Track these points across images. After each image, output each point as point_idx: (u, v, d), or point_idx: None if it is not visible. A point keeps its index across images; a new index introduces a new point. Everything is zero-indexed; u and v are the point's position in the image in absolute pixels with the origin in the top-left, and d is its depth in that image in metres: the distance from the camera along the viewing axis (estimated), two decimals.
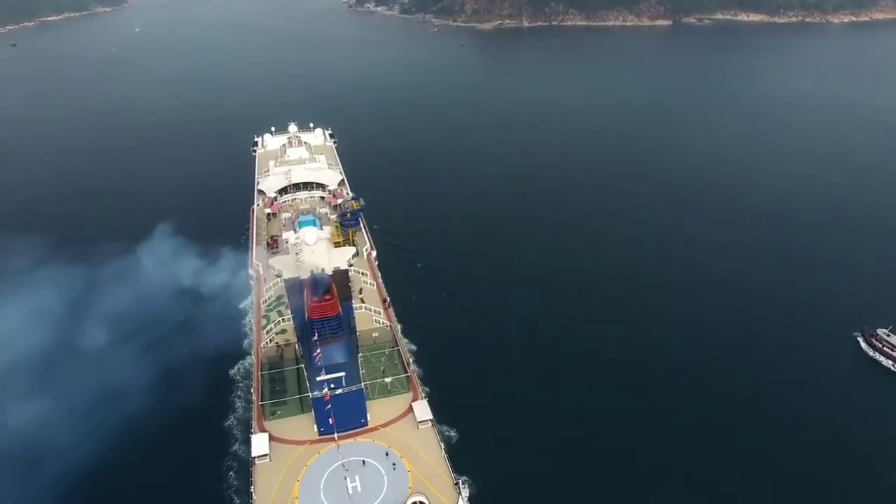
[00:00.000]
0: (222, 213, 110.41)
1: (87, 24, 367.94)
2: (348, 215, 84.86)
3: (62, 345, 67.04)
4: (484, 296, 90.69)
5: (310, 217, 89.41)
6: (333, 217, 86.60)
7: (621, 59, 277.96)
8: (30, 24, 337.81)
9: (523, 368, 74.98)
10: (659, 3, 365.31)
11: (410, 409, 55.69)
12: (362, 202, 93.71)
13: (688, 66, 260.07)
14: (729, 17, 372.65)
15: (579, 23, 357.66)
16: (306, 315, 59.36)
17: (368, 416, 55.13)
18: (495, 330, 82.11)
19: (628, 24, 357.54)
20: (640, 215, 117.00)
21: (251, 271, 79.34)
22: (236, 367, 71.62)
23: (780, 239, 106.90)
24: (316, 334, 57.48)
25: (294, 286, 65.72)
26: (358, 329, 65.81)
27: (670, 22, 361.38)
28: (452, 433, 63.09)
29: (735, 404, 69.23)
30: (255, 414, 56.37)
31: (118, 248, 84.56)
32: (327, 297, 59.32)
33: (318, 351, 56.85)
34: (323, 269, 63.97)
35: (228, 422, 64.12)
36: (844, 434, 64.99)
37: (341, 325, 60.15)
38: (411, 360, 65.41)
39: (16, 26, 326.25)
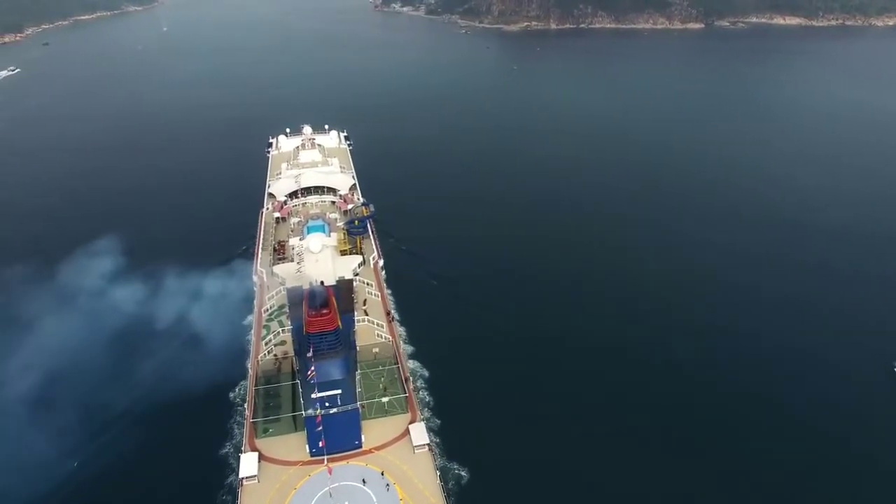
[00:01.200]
0: (234, 216, 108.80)
1: (118, 23, 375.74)
2: (356, 223, 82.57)
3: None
4: (502, 310, 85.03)
5: (319, 222, 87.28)
6: (341, 224, 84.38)
7: (651, 64, 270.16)
8: (64, 23, 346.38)
9: (544, 400, 67.95)
10: (691, 6, 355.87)
11: (407, 432, 52.84)
12: (372, 208, 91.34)
13: (721, 71, 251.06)
14: (764, 20, 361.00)
15: (608, 25, 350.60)
16: (304, 328, 57.25)
17: (363, 437, 52.46)
18: (513, 351, 76.43)
19: (658, 27, 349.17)
20: (673, 226, 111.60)
21: (255, 278, 77.55)
22: (237, 389, 67.19)
23: (820, 254, 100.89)
24: (311, 350, 55.13)
25: (295, 296, 63.61)
26: (359, 343, 63.40)
27: (702, 25, 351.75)
28: (454, 467, 58.09)
29: (763, 423, 65.77)
30: (246, 431, 54.18)
31: (119, 253, 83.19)
32: (325, 311, 57.02)
33: (312, 369, 54.44)
34: (322, 282, 61.63)
35: (225, 449, 59.69)
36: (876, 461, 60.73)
37: (339, 340, 57.75)
38: (411, 379, 62.48)
39: (51, 25, 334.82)
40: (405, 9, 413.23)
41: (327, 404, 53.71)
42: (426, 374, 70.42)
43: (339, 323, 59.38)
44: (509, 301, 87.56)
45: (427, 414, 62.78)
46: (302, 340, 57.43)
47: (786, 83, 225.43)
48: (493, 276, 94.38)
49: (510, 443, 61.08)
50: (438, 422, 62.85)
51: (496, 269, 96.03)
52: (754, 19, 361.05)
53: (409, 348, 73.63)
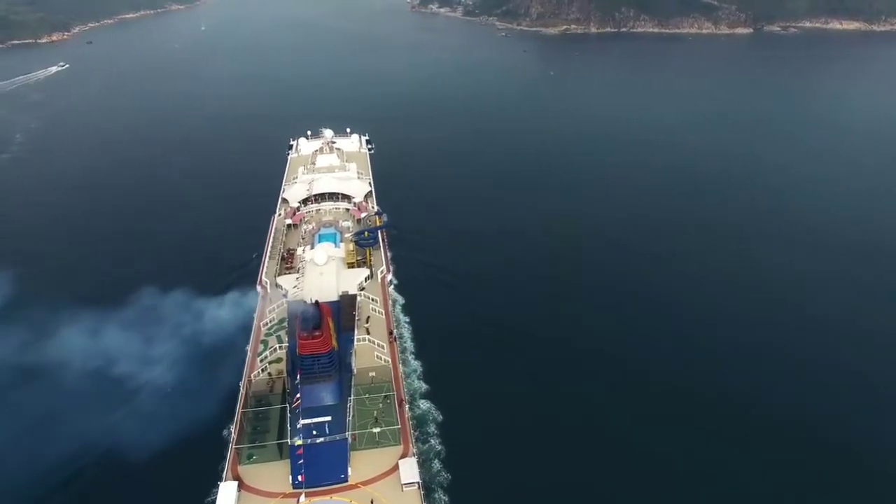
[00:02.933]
0: (251, 220, 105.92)
1: (160, 21, 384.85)
2: (366, 234, 79.39)
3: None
4: (523, 335, 78.65)
5: (331, 230, 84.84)
6: (349, 235, 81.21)
7: (696, 70, 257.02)
8: (110, 21, 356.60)
9: (567, 445, 61.19)
10: (739, 10, 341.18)
11: (397, 467, 48.98)
12: (385, 218, 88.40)
13: (772, 79, 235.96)
14: (819, 24, 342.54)
15: (651, 30, 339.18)
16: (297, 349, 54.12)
17: (350, 469, 48.89)
18: (531, 380, 70.32)
19: (704, 31, 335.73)
20: (719, 245, 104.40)
21: (258, 288, 74.98)
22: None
23: (882, 276, 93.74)
24: (298, 376, 51.92)
25: (295, 311, 60.73)
26: (357, 365, 59.99)
27: (751, 30, 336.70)
28: None
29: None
30: (230, 456, 51.23)
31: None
32: (317, 333, 53.76)
33: (298, 397, 51.22)
34: (316, 301, 58.26)
35: (207, 475, 53.25)
36: None
37: (333, 363, 54.49)
38: (408, 407, 58.50)
39: (97, 24, 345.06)
40: (442, 10, 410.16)
41: (314, 432, 50.54)
42: (429, 393, 66.31)
43: (335, 344, 56.05)
44: (532, 324, 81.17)
45: (426, 444, 58.80)
46: (295, 360, 54.36)
47: (846, 93, 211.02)
48: (519, 297, 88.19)
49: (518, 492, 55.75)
50: (440, 449, 58.78)
51: (521, 291, 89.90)
52: (808, 24, 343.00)
53: (416, 364, 70.00)
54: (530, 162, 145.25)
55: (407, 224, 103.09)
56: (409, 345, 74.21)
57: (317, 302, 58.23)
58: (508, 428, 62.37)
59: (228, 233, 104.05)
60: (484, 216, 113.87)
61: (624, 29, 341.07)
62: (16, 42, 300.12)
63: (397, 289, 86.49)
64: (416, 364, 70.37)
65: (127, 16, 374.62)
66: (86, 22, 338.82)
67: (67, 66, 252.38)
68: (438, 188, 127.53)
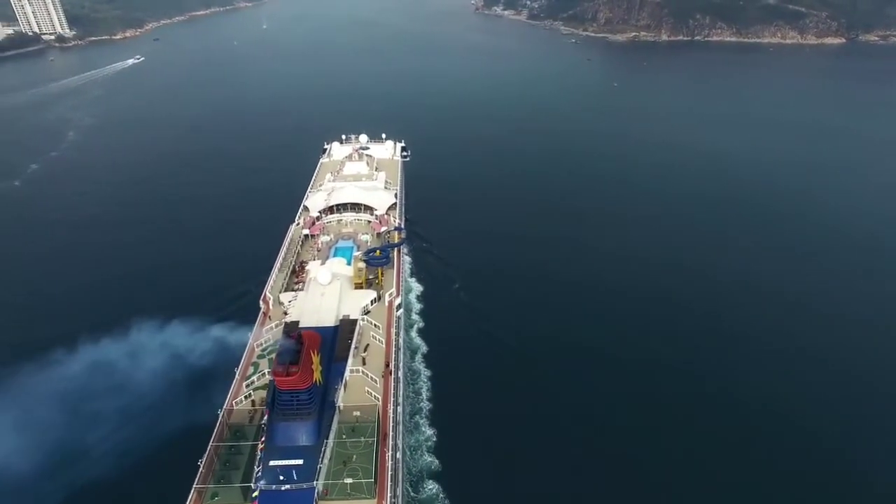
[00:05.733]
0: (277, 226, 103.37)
1: (228, 18, 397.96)
2: (378, 252, 73.78)
3: None
4: (544, 372, 71.38)
5: (349, 244, 79.89)
6: (358, 253, 75.92)
7: (779, 86, 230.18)
8: (181, 18, 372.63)
9: None
10: (830, 18, 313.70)
11: None
12: (404, 235, 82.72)
13: (869, 99, 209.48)
14: None
15: (728, 39, 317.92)
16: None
17: None
18: (553, 426, 63.00)
19: (787, 41, 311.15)
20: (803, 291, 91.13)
21: (261, 303, 70.91)
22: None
23: None
24: (265, 415, 46.85)
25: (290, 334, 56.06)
26: (345, 401, 54.29)
27: (842, 40, 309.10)
28: None
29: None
30: (191, 497, 46.71)
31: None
32: (293, 368, 48.35)
33: (263, 439, 46.14)
34: (299, 333, 52.96)
35: None
36: None
37: (314, 399, 49.03)
38: (391, 455, 52.16)
39: (169, 21, 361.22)
40: (506, 12, 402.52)
41: (281, 477, 45.16)
42: (433, 449, 59.63)
43: (319, 377, 50.60)
44: (557, 364, 73.19)
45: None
46: (273, 393, 49.50)
47: None
48: (547, 332, 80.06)
49: None
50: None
51: (553, 328, 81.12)
52: None
53: (427, 405, 63.86)
54: (580, 181, 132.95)
55: (438, 240, 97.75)
56: (424, 384, 67.72)
57: (299, 333, 52.94)
58: None
59: (254, 238, 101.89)
60: (523, 244, 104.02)
61: (698, 37, 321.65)
62: (93, 39, 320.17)
63: (420, 313, 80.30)
64: (421, 404, 64.18)
65: (197, 13, 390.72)
66: (159, 19, 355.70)
67: (143, 58, 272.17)
68: (474, 206, 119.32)
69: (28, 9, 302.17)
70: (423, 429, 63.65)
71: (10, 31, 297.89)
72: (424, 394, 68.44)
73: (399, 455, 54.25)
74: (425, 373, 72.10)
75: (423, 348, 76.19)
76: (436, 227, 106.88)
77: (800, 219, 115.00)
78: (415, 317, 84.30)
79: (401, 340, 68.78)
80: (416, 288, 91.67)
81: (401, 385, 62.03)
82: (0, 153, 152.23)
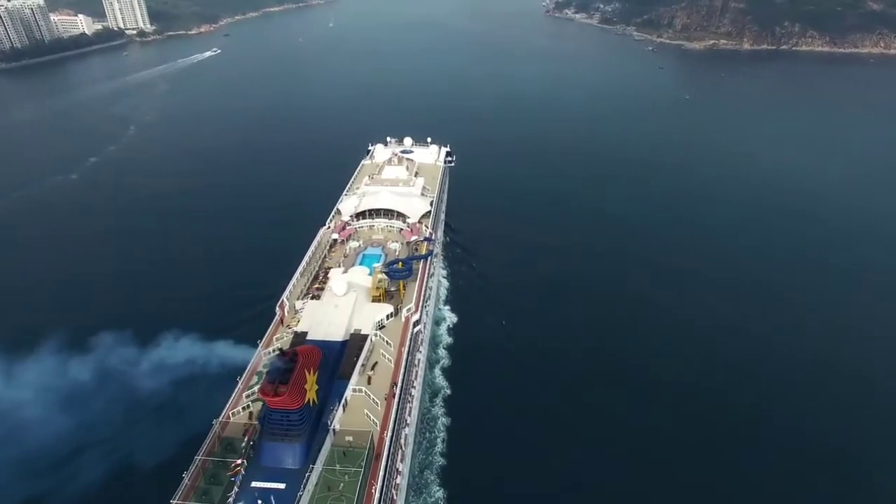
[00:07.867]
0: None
1: (300, 15, 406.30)
2: (400, 264, 67.83)
3: None
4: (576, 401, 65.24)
5: (377, 251, 75.09)
6: (378, 265, 70.18)
7: (885, 106, 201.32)
8: (254, 14, 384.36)
9: None
10: None
11: None
12: (433, 247, 76.67)
13: None
14: None
15: (819, 48, 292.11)
16: None
17: None
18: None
19: (891, 52, 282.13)
20: None
21: (277, 308, 66.59)
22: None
23: None
24: (247, 436, 42.35)
25: (297, 346, 51.63)
26: (341, 424, 48.49)
27: None
28: None
29: None
30: None
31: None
32: (282, 388, 43.68)
33: (238, 462, 41.80)
34: (286, 352, 47.56)
35: None
36: None
37: (305, 420, 44.67)
38: (380, 486, 45.94)
39: (242, 17, 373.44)
40: (578, 16, 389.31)
41: (259, 502, 40.88)
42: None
43: (314, 397, 45.87)
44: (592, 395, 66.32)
45: None
46: (265, 410, 45.37)
47: None
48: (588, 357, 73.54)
49: None
50: None
51: (596, 355, 74.68)
52: None
53: (440, 460, 57.75)
54: (639, 202, 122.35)
55: (483, 256, 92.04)
56: (439, 434, 61.16)
57: (294, 352, 47.77)
58: None
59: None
60: (568, 263, 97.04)
61: (784, 46, 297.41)
62: (170, 34, 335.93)
63: (449, 349, 74.35)
64: (433, 458, 58.02)
65: (270, 9, 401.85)
66: (233, 14, 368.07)
67: (219, 51, 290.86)
68: (527, 218, 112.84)
69: (116, 6, 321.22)
70: (433, 488, 56.96)
71: (98, 26, 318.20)
72: (438, 446, 61.52)
73: (403, 482, 48.04)
74: (443, 420, 65.21)
75: (446, 391, 69.60)
76: (482, 241, 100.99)
77: None
78: (441, 352, 78.25)
79: (415, 359, 62.62)
80: (450, 318, 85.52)
81: (410, 407, 56.09)
82: (67, 144, 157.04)
